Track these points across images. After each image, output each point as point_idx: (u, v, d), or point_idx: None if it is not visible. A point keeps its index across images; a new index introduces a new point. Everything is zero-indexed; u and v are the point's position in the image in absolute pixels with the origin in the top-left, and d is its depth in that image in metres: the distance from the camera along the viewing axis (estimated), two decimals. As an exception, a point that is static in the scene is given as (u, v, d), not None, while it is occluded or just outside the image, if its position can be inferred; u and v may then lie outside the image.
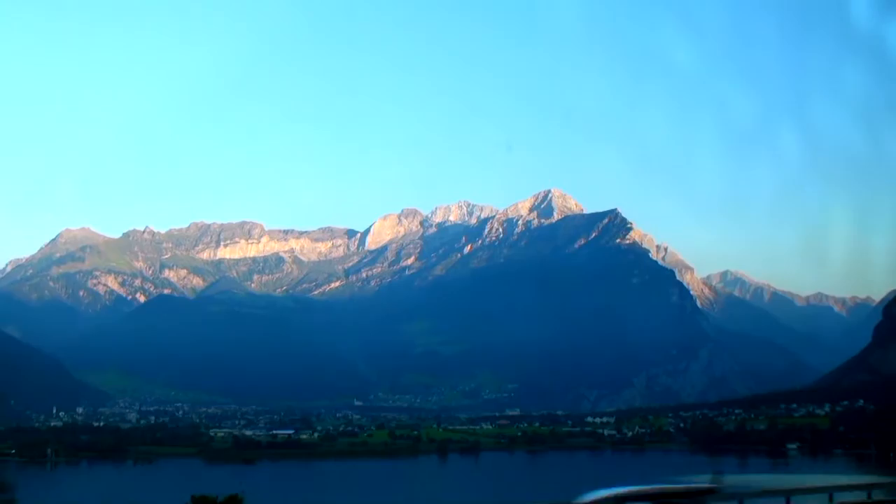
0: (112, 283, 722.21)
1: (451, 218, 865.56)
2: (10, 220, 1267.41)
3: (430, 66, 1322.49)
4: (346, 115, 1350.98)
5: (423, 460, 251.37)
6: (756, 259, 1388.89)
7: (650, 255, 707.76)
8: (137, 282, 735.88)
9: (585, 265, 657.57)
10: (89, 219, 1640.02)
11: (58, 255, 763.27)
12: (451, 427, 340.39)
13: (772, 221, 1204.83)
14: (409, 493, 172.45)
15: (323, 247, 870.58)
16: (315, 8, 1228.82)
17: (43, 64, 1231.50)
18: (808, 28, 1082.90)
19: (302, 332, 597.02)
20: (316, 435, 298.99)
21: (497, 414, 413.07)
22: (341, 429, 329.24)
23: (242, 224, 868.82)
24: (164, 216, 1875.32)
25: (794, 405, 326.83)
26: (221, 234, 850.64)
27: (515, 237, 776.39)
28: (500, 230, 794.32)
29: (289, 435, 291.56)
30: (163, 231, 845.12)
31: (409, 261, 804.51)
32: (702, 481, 45.57)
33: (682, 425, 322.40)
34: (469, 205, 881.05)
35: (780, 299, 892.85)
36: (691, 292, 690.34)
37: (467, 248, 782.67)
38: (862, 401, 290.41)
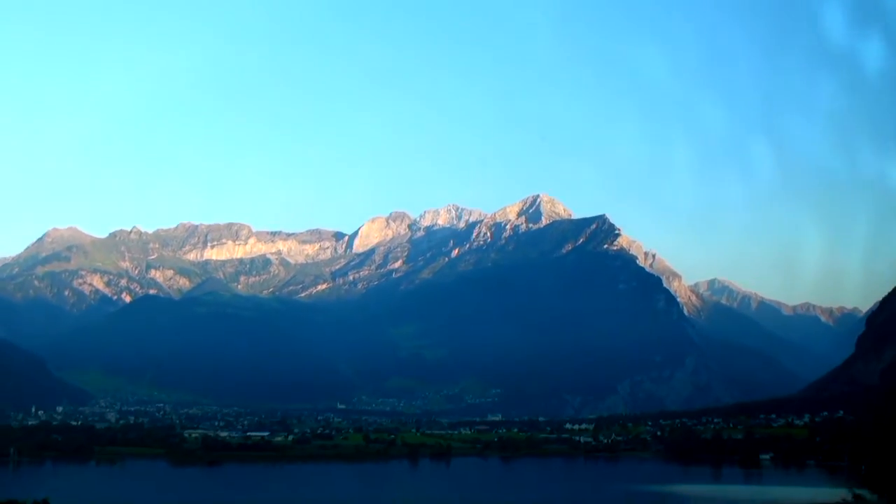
0: (98, 282, 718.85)
1: (440, 221, 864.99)
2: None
3: (420, 71, 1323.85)
4: (336, 118, 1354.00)
5: (394, 464, 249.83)
6: (741, 268, 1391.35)
7: (637, 261, 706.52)
8: (123, 282, 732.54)
9: (572, 271, 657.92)
10: (76, 218, 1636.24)
11: (44, 254, 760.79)
12: (428, 432, 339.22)
13: (745, 234, 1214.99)
14: (358, 496, 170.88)
15: (310, 249, 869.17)
16: (305, 12, 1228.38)
17: (31, 63, 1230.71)
18: (780, 44, 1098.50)
19: (287, 335, 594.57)
20: (290, 437, 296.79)
21: (478, 419, 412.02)
22: (319, 431, 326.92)
23: (230, 225, 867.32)
24: (152, 216, 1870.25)
25: (774, 415, 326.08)
26: (209, 235, 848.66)
27: (503, 241, 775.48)
28: (488, 234, 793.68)
29: (262, 437, 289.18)
30: (150, 231, 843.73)
31: (397, 264, 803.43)
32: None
33: (659, 433, 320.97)
34: (458, 208, 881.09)
35: (768, 308, 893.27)
36: (678, 299, 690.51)
37: (455, 252, 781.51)
38: (842, 411, 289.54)
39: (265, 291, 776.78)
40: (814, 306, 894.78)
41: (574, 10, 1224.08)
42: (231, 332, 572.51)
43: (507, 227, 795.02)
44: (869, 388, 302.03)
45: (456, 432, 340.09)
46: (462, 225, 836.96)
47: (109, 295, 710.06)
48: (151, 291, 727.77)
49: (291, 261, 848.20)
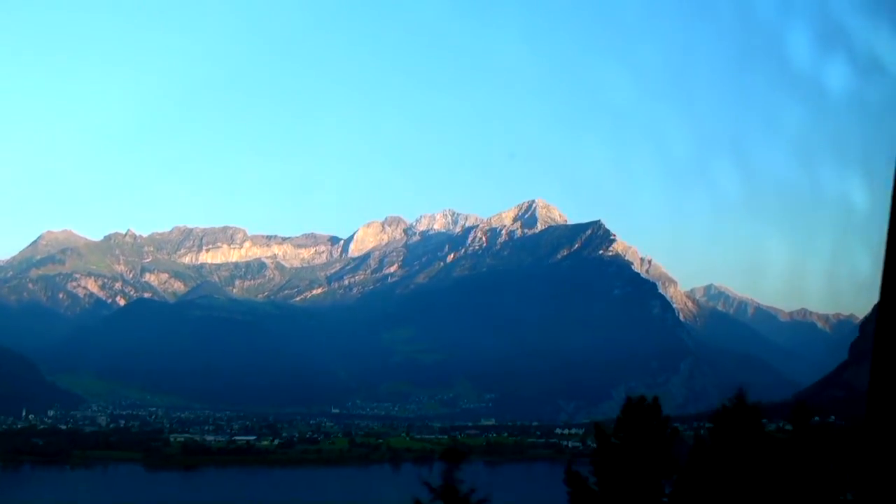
0: (92, 286, 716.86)
1: (436, 227, 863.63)
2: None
3: (415, 78, 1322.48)
4: (331, 122, 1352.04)
5: (375, 469, 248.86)
6: (738, 274, 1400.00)
7: (633, 267, 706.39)
8: (118, 285, 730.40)
9: (567, 276, 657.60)
10: (71, 221, 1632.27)
11: (38, 257, 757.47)
12: (417, 436, 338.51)
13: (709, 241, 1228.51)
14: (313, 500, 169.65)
15: (305, 253, 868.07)
16: (300, 18, 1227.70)
17: (26, 67, 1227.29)
18: (745, 66, 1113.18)
19: (282, 339, 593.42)
20: (276, 441, 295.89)
21: (470, 424, 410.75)
22: (308, 435, 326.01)
23: (225, 229, 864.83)
24: (147, 219, 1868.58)
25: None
26: (204, 239, 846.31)
27: (498, 247, 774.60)
28: (483, 239, 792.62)
29: (247, 441, 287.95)
30: (145, 234, 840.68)
31: (392, 269, 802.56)
32: None
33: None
34: (454, 213, 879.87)
35: (764, 314, 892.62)
36: (673, 305, 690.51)
37: (450, 257, 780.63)
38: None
39: (260, 295, 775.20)
40: (810, 312, 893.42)
41: (545, 30, 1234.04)
42: (225, 337, 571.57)
43: (503, 232, 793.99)
44: (862, 394, 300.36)
45: (445, 437, 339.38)
46: (458, 230, 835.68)
47: (104, 298, 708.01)
48: (146, 295, 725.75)
49: (287, 265, 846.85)
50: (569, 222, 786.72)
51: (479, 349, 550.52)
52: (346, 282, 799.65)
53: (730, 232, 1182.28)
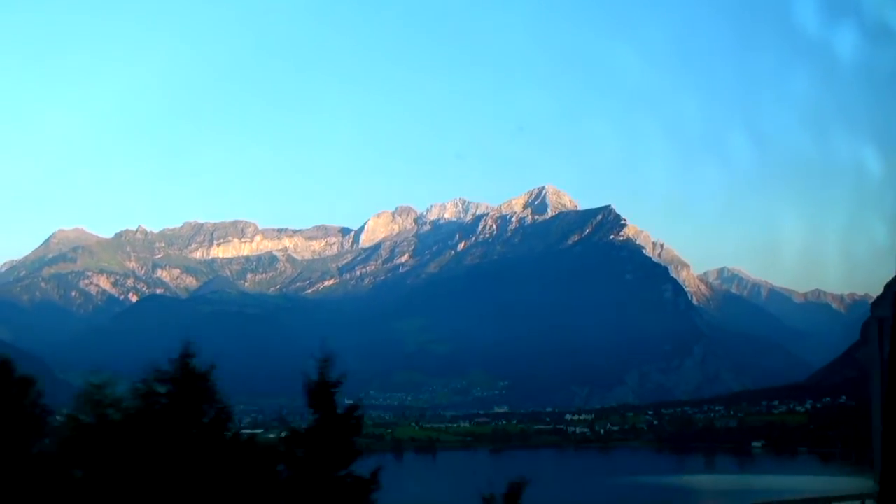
0: (104, 283, 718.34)
1: (447, 215, 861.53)
2: (6, 221, 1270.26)
3: (422, 65, 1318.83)
4: (340, 113, 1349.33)
5: (376, 459, 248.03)
6: (752, 256, 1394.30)
7: (644, 251, 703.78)
8: (130, 282, 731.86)
9: (579, 262, 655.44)
10: (82, 219, 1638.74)
11: (50, 255, 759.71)
12: (427, 425, 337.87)
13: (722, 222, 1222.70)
14: None
15: (316, 245, 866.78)
16: (303, 7, 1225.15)
17: (35, 65, 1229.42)
18: (754, 36, 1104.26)
19: (294, 331, 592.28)
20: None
21: (481, 412, 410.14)
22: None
23: (235, 223, 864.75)
24: (157, 216, 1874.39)
25: (776, 402, 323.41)
26: (214, 234, 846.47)
27: (509, 234, 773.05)
28: (494, 227, 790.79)
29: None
30: (155, 231, 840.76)
31: (403, 258, 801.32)
32: None
33: (656, 423, 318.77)
34: (465, 202, 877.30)
35: (778, 296, 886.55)
36: (686, 289, 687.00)
37: (461, 246, 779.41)
38: (844, 397, 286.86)
39: (272, 288, 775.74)
40: (825, 293, 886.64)
41: (550, 13, 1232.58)
42: (238, 331, 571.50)
43: (513, 219, 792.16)
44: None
45: (455, 425, 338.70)
46: (469, 218, 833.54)
47: (116, 295, 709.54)
48: (158, 291, 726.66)
49: (298, 257, 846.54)
50: (579, 208, 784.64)
51: (492, 337, 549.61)
52: (358, 273, 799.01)
53: (743, 212, 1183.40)
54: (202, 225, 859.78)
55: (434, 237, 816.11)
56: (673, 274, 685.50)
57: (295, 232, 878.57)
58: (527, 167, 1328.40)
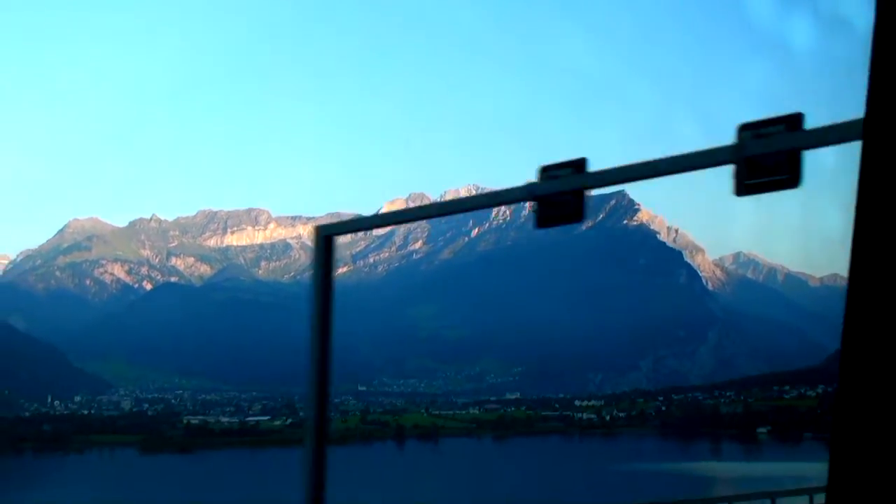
0: (118, 271, 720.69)
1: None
2: (22, 211, 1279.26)
3: (436, 51, 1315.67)
4: (352, 99, 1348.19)
5: (378, 447, 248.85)
6: (766, 240, 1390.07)
7: (659, 236, 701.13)
8: (144, 270, 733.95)
9: (592, 247, 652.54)
10: (97, 208, 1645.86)
11: (65, 244, 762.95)
12: (436, 412, 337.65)
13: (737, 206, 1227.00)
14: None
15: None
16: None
17: (47, 54, 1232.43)
18: (709, 26, 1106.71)
19: (308, 319, 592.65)
20: (289, 421, 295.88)
21: (493, 398, 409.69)
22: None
23: (249, 211, 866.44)
24: (171, 204, 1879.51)
25: (787, 386, 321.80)
26: (228, 221, 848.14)
27: (523, 220, 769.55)
28: (508, 213, 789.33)
29: (257, 421, 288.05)
30: (169, 219, 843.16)
31: (417, 245, 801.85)
32: None
33: (664, 409, 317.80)
34: (478, 188, 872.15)
35: (794, 280, 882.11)
36: (700, 273, 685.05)
37: (474, 232, 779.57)
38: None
39: (286, 276, 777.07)
40: (841, 277, 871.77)
41: None
42: (252, 318, 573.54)
43: (527, 205, 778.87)
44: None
45: (464, 412, 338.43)
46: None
47: (130, 283, 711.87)
48: (173, 279, 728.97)
49: (311, 244, 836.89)
50: (592, 193, 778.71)
51: (506, 323, 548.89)
52: (371, 259, 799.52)
53: (756, 196, 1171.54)
54: (216, 213, 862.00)
55: (447, 223, 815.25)
56: (687, 259, 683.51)
57: (309, 219, 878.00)
58: (539, 152, 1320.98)
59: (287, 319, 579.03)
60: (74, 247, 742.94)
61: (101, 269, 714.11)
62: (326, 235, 7.80)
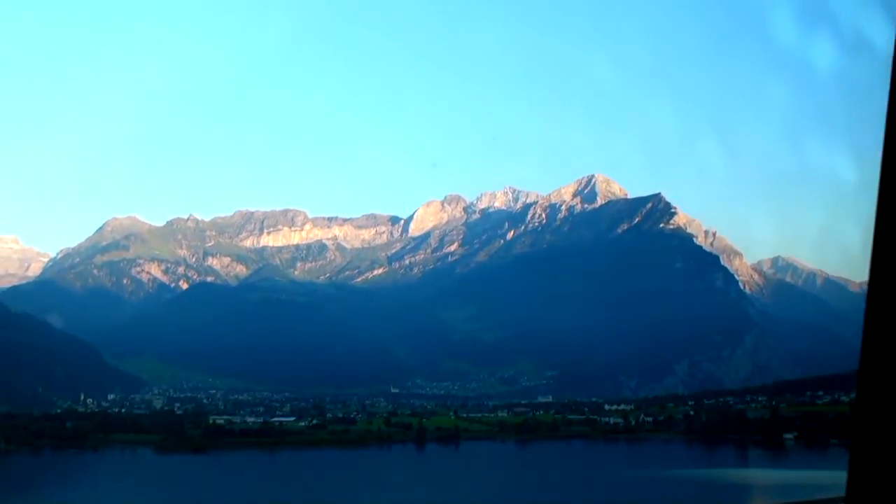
0: (155, 270, 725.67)
1: (497, 204, 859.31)
2: (62, 210, 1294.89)
3: (474, 52, 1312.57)
4: (389, 102, 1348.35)
5: (397, 449, 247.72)
6: (806, 245, 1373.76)
7: (695, 239, 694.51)
8: (181, 269, 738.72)
9: (628, 250, 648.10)
10: (135, 208, 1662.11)
11: (104, 243, 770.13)
12: (466, 415, 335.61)
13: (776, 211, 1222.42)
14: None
15: (366, 234, 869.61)
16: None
17: (89, 57, 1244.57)
18: (730, 44, 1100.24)
19: (343, 320, 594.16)
20: (314, 422, 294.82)
21: (524, 402, 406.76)
22: (352, 415, 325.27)
23: (286, 211, 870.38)
24: (208, 204, 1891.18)
25: (821, 392, 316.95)
26: (265, 222, 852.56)
27: (558, 223, 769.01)
28: (543, 216, 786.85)
29: (280, 422, 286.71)
30: (206, 219, 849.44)
31: (452, 247, 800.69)
32: None
33: (692, 413, 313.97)
34: (515, 191, 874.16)
35: (833, 285, 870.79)
36: (737, 277, 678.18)
37: (510, 235, 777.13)
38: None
39: (322, 277, 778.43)
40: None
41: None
42: (287, 319, 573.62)
43: (563, 207, 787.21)
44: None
45: (493, 415, 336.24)
46: (518, 207, 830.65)
47: (167, 283, 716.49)
48: (209, 279, 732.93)
49: (347, 246, 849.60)
50: (629, 196, 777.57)
51: (540, 326, 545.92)
52: (407, 261, 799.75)
53: (796, 200, 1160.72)
54: (252, 213, 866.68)
55: (483, 226, 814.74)
56: (724, 263, 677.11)
57: (345, 220, 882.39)
58: (577, 155, 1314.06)
59: (322, 320, 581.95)
60: (112, 245, 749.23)
61: (139, 268, 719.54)
62: None
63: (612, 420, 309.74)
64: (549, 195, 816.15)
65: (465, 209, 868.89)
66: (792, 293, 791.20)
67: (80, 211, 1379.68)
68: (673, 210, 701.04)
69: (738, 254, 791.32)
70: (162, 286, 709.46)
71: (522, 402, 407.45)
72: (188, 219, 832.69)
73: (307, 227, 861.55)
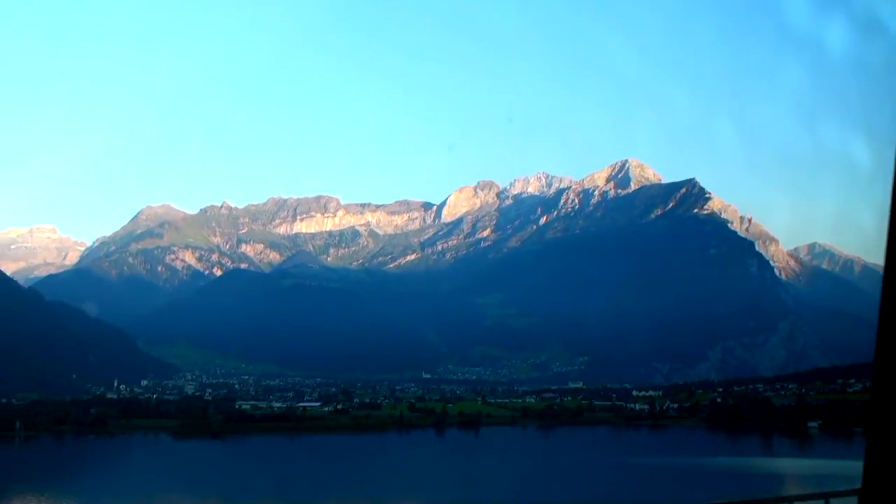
0: (189, 258, 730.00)
1: (530, 189, 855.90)
2: (98, 199, 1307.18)
3: (508, 38, 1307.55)
4: (424, 87, 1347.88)
5: (417, 434, 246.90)
6: (842, 231, 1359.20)
7: (730, 225, 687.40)
8: (215, 256, 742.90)
9: (661, 236, 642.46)
10: (170, 196, 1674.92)
11: (138, 231, 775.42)
12: (493, 400, 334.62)
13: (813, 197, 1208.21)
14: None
15: (399, 220, 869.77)
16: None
17: (122, 48, 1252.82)
18: (745, 28, 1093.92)
19: (375, 306, 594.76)
20: (339, 407, 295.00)
21: (553, 387, 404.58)
22: (378, 401, 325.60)
23: (318, 198, 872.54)
24: (242, 191, 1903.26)
25: (853, 380, 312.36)
26: (298, 209, 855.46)
27: (591, 208, 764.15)
28: (576, 201, 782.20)
29: (303, 408, 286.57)
30: (240, 206, 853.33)
31: (485, 233, 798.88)
32: None
33: (719, 401, 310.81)
34: (548, 176, 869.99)
35: (871, 272, 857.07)
36: (772, 264, 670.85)
37: (543, 220, 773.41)
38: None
39: (354, 263, 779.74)
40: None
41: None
42: (320, 305, 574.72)
43: (596, 193, 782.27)
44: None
45: (521, 401, 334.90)
46: (551, 192, 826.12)
47: (201, 270, 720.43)
48: (242, 265, 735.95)
49: (380, 232, 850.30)
50: (663, 181, 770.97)
51: (573, 312, 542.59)
52: (440, 247, 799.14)
53: (834, 186, 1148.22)
54: (286, 200, 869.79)
55: (516, 211, 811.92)
56: (760, 249, 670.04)
57: (377, 207, 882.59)
58: (610, 140, 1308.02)
59: (354, 306, 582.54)
60: (147, 233, 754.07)
61: (173, 256, 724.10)
62: None
63: (637, 406, 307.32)
64: (583, 180, 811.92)
65: (497, 195, 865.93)
66: (828, 280, 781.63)
67: (115, 200, 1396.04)
68: (707, 195, 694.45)
69: (773, 240, 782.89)
70: (196, 273, 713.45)
71: (552, 387, 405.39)
72: (222, 206, 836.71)
73: (340, 213, 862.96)
